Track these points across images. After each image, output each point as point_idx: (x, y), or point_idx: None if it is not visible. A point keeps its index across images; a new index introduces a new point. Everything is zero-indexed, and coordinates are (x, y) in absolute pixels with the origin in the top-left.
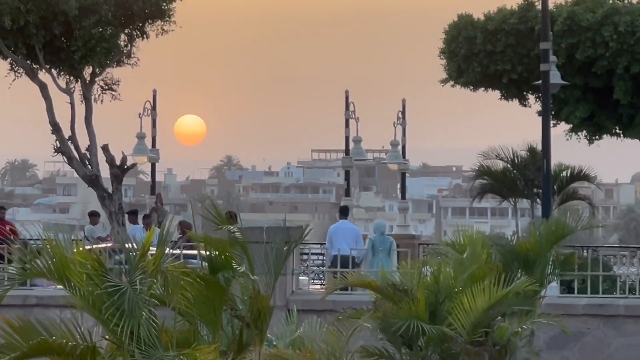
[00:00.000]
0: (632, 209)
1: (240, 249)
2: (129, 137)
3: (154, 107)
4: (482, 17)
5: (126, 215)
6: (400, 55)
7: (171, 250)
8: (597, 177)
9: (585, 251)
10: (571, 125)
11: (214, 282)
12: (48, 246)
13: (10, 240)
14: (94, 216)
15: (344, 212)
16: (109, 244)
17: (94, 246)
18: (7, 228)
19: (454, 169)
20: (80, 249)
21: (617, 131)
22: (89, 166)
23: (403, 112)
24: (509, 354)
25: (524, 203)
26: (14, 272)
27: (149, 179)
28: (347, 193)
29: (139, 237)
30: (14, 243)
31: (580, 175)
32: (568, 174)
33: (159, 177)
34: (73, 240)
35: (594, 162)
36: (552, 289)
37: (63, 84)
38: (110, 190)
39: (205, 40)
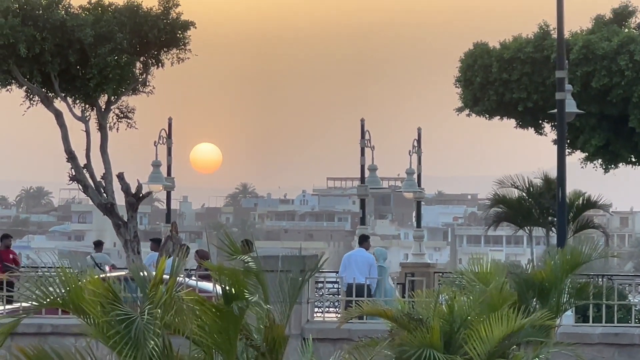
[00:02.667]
0: None
1: (254, 278)
2: (145, 165)
3: (169, 135)
4: (497, 46)
5: (149, 242)
6: (416, 84)
7: (186, 280)
8: (611, 205)
9: (600, 280)
10: (586, 154)
11: (228, 312)
12: (62, 275)
13: (16, 269)
14: (99, 245)
15: (363, 240)
16: (121, 273)
17: (109, 274)
18: (10, 257)
19: (469, 197)
20: (94, 277)
21: (633, 159)
22: (104, 194)
23: (419, 141)
24: None
25: (539, 231)
26: (27, 301)
27: (164, 206)
28: (363, 221)
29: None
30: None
31: (595, 204)
32: (583, 202)
33: (174, 205)
34: (87, 268)
35: (609, 190)
36: (567, 318)
37: (78, 112)
38: (125, 219)
39: (221, 67)
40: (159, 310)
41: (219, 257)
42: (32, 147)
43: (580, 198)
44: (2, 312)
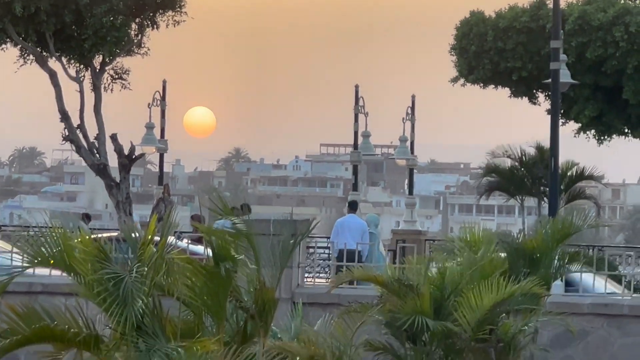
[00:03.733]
0: (638, 210)
1: (245, 240)
2: (138, 127)
3: (163, 98)
4: (493, 15)
5: (140, 204)
6: (411, 51)
7: (176, 241)
8: (604, 177)
9: (590, 250)
10: (580, 125)
11: (218, 273)
12: (53, 234)
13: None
14: (87, 218)
15: (353, 206)
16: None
17: (100, 235)
18: None
19: (461, 165)
20: (85, 237)
21: (626, 131)
22: (97, 155)
23: (412, 108)
24: (513, 351)
25: (531, 201)
26: (18, 260)
27: (156, 169)
28: (355, 187)
29: None
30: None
31: (587, 175)
32: (575, 173)
33: (166, 168)
34: (78, 228)
35: (602, 162)
36: (557, 288)
37: (73, 73)
38: (117, 180)
39: (217, 32)
40: (149, 270)
41: (211, 220)
42: (25, 107)
43: (573, 169)
44: None
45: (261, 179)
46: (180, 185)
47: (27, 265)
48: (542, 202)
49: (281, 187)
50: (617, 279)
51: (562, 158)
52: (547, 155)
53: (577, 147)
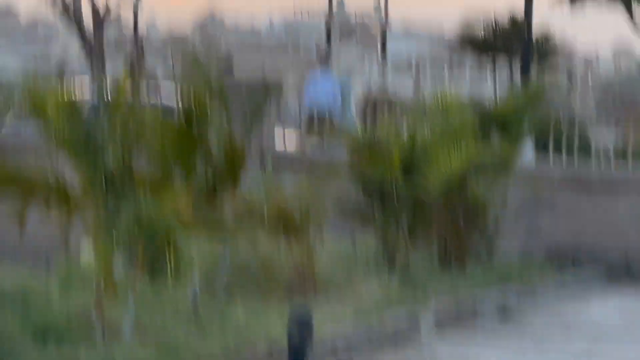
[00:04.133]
0: (611, 83)
1: (217, 97)
2: None
3: None
4: None
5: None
6: None
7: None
8: (577, 49)
9: (562, 118)
10: None
11: (188, 129)
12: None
13: None
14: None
15: (325, 67)
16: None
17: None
18: None
19: (435, 31)
20: (56, 85)
21: None
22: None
23: None
24: (482, 216)
25: (504, 73)
26: None
27: (131, 32)
28: (328, 51)
29: None
30: None
31: (560, 46)
32: (548, 44)
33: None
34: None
35: (576, 34)
36: (528, 155)
37: None
38: (92, 40)
39: None
40: (120, 123)
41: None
42: None
43: (547, 40)
44: None
45: (236, 42)
46: (154, 46)
47: None
48: (514, 70)
49: (255, 52)
50: (587, 150)
51: (537, 30)
52: (523, 26)
53: (553, 19)
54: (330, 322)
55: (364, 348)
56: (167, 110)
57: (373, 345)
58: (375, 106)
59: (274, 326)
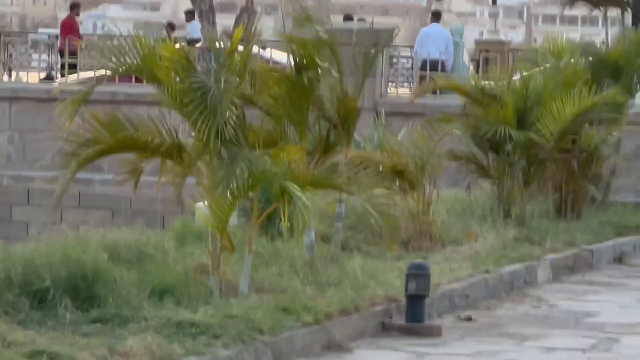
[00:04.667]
0: None
1: (328, 49)
2: None
3: None
4: None
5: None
6: None
7: (260, 51)
8: None
9: None
10: None
11: (300, 82)
12: (137, 42)
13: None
14: (190, 14)
15: (437, 16)
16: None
17: (183, 44)
18: (76, 26)
19: None
20: (169, 45)
21: None
22: None
23: None
24: (596, 161)
25: (615, 13)
26: (102, 67)
27: None
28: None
29: (196, 35)
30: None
31: None
32: None
33: None
34: (161, 38)
35: None
36: None
37: None
38: None
39: None
40: (235, 79)
41: (295, 30)
42: None
43: None
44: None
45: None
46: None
47: (110, 73)
48: (626, 13)
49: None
50: None
51: None
52: None
53: None
54: (447, 274)
55: (481, 300)
56: (277, 65)
57: (491, 297)
58: (487, 54)
59: (391, 278)
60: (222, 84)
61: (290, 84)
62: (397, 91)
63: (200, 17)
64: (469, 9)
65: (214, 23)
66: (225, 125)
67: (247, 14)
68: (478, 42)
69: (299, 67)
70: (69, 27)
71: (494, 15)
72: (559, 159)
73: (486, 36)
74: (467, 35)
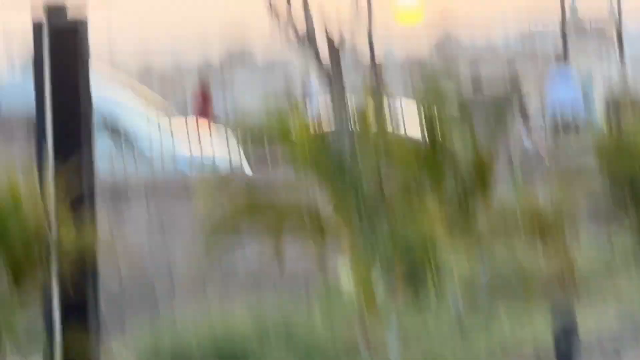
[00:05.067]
0: None
1: (460, 110)
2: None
3: None
4: None
5: None
6: None
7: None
8: None
9: None
10: None
11: (433, 147)
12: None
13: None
14: None
15: (562, 62)
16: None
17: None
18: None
19: None
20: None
21: None
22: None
23: None
24: None
25: None
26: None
27: (368, 60)
28: (565, 55)
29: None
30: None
31: None
32: None
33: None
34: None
35: None
36: None
37: None
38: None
39: None
40: (370, 157)
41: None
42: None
43: None
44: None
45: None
46: (392, 74)
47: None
48: None
49: (494, 68)
50: None
51: None
52: None
53: None
54: (595, 323)
55: (631, 347)
56: (408, 135)
57: None
58: (618, 105)
59: (539, 330)
60: (357, 151)
61: (425, 150)
62: (530, 141)
63: (330, 90)
64: (596, 61)
65: (344, 96)
66: (361, 192)
67: (376, 85)
68: (608, 93)
69: (431, 132)
70: None
71: (621, 66)
72: None
73: (615, 87)
74: (595, 87)
